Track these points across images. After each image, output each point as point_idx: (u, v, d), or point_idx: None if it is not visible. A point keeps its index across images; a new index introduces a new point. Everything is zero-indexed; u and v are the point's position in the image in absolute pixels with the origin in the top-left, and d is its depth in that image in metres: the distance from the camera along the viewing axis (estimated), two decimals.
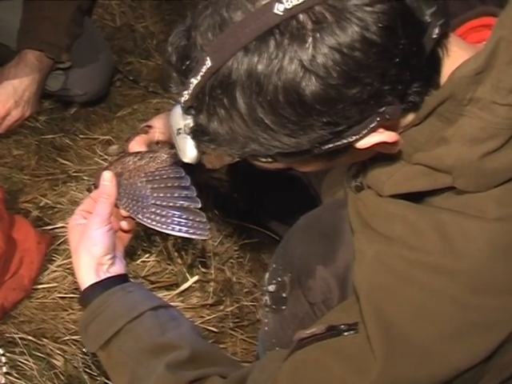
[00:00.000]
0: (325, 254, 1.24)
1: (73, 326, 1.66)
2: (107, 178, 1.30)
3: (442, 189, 0.98)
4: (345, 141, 0.90)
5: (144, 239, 1.81)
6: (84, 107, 2.25)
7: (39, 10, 1.99)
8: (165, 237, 1.81)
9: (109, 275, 1.24)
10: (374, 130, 0.90)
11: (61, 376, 1.55)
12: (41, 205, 1.91)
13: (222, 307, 1.75)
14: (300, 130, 0.87)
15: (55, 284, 1.73)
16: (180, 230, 1.30)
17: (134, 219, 1.33)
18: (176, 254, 1.81)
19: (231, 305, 1.77)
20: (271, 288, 1.30)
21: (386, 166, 1.01)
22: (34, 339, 1.61)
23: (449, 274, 0.96)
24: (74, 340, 1.63)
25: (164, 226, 1.30)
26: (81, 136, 2.17)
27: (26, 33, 1.99)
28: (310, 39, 0.83)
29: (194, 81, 0.89)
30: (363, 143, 0.92)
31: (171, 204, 1.31)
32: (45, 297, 1.71)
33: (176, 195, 1.31)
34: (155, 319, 1.20)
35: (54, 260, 1.77)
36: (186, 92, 0.91)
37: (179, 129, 1.00)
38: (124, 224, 1.32)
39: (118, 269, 1.26)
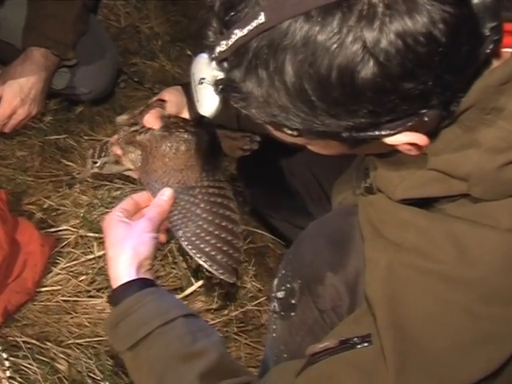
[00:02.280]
0: (335, 261, 1.23)
1: (76, 330, 1.66)
2: (167, 194, 1.33)
3: (456, 196, 0.97)
4: (378, 133, 0.89)
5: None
6: (89, 108, 2.25)
7: (44, 8, 1.99)
8: (169, 241, 1.79)
9: (145, 277, 1.23)
10: (408, 129, 0.90)
11: (64, 380, 1.55)
12: (44, 207, 1.91)
13: (226, 312, 1.75)
14: (342, 112, 0.86)
15: (59, 287, 1.73)
16: (210, 266, 1.33)
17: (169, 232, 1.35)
18: (181, 257, 1.81)
19: (236, 309, 1.77)
20: (280, 294, 1.29)
21: (399, 169, 1.01)
22: (37, 343, 1.60)
23: (462, 283, 0.95)
24: (77, 344, 1.63)
25: (196, 253, 1.33)
26: (85, 137, 2.17)
27: (31, 30, 1.99)
28: (378, 22, 0.81)
29: (239, 33, 0.85)
30: (394, 139, 0.91)
31: (216, 232, 1.33)
32: (48, 300, 1.71)
33: (223, 224, 1.35)
34: (186, 326, 1.17)
35: (58, 263, 1.77)
36: (224, 42, 0.87)
37: (203, 78, 0.96)
38: (162, 238, 1.33)
39: (151, 276, 1.26)
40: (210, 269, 1.33)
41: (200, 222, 1.34)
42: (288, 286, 1.27)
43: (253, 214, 1.98)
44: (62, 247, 1.80)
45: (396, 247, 1.00)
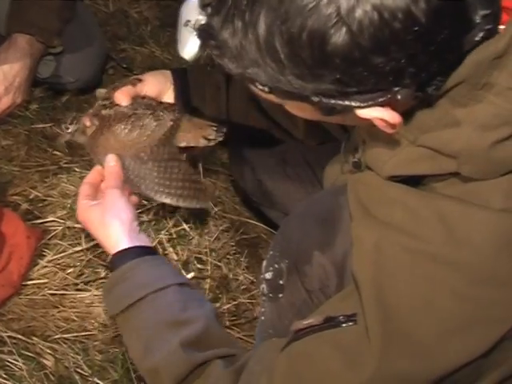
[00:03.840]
0: (322, 240, 1.24)
1: (64, 324, 1.65)
2: (113, 159, 1.37)
3: (446, 174, 0.97)
4: (347, 103, 0.89)
5: None
6: (76, 96, 2.22)
7: None
8: (159, 231, 1.82)
9: (142, 244, 1.27)
10: (380, 105, 0.89)
11: (51, 376, 1.54)
12: (30, 197, 1.90)
13: (218, 305, 1.74)
14: (310, 75, 0.86)
15: (45, 280, 1.72)
16: (183, 201, 1.42)
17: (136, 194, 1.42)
18: (171, 249, 1.80)
19: (228, 302, 1.76)
20: (268, 275, 1.31)
21: (388, 146, 1.00)
22: (23, 338, 1.60)
23: (450, 264, 0.95)
24: (64, 339, 1.62)
25: (166, 197, 1.42)
26: (70, 114, 2.13)
27: (15, 17, 1.96)
28: None
29: None
30: (364, 113, 0.90)
31: (173, 176, 1.42)
32: (35, 293, 1.70)
33: (176, 170, 1.43)
34: (179, 295, 1.21)
35: (45, 255, 1.76)
36: None
37: (188, 21, 0.99)
38: (133, 198, 1.39)
39: (147, 240, 1.31)
40: (183, 204, 1.43)
41: (154, 174, 1.41)
42: (276, 266, 1.29)
43: (245, 205, 1.97)
44: (49, 239, 1.79)
45: (383, 225, 1.00)
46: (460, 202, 0.95)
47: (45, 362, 1.56)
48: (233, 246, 1.87)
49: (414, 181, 0.99)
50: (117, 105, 1.46)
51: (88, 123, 1.50)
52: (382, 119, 0.91)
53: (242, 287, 1.80)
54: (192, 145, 1.51)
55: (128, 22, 2.54)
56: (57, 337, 1.62)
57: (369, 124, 0.96)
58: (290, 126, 1.57)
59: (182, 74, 1.57)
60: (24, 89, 1.96)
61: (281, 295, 1.30)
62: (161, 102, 1.49)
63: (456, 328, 0.96)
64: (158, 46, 2.46)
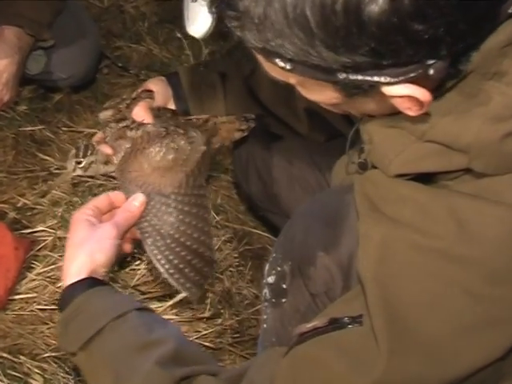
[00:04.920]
0: (327, 240, 1.25)
1: (53, 342, 1.65)
2: (140, 200, 1.37)
3: (457, 171, 0.97)
4: (376, 79, 0.88)
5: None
6: (68, 96, 2.23)
7: None
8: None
9: (93, 276, 1.26)
10: (410, 81, 0.89)
11: None
12: (18, 205, 1.90)
13: (220, 321, 1.74)
14: (342, 46, 0.85)
15: (34, 294, 1.72)
16: (177, 279, 1.36)
17: (137, 241, 1.38)
18: None
19: (230, 318, 1.75)
20: (271, 279, 1.31)
21: (393, 142, 1.01)
22: (9, 356, 1.59)
23: (462, 261, 0.95)
24: (54, 357, 1.62)
25: (165, 263, 1.36)
26: (64, 129, 2.15)
27: (3, 8, 1.96)
28: None
29: None
30: (392, 90, 0.90)
31: (188, 243, 1.36)
32: (22, 309, 1.70)
33: (195, 235, 1.37)
34: (141, 319, 1.21)
35: (33, 268, 1.76)
36: None
37: None
38: (127, 247, 1.38)
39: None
40: (174, 282, 1.36)
41: (171, 232, 1.37)
42: (278, 269, 1.30)
43: (249, 214, 1.97)
44: (38, 250, 1.79)
45: (392, 222, 1.00)
46: (472, 197, 0.95)
47: (33, 382, 1.56)
48: (236, 257, 1.87)
49: (423, 179, 1.00)
50: (141, 124, 1.45)
51: (110, 151, 1.49)
52: (411, 97, 0.91)
53: (246, 302, 1.79)
54: (227, 144, 1.56)
55: (124, 17, 2.55)
56: (46, 355, 1.61)
57: (382, 114, 0.95)
58: (293, 120, 1.59)
59: (176, 78, 1.60)
60: (12, 85, 1.96)
61: (284, 300, 1.31)
62: (189, 119, 1.51)
63: (469, 328, 0.96)
64: (155, 43, 2.47)
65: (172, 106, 1.58)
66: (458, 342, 0.96)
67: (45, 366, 1.59)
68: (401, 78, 0.88)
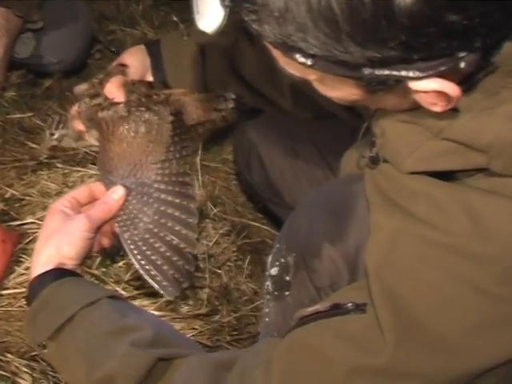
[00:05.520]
0: (333, 231, 1.26)
1: None
2: (119, 194, 1.35)
3: (472, 170, 0.98)
4: (404, 73, 0.87)
5: None
6: (58, 81, 2.22)
7: None
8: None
9: (61, 267, 1.27)
10: (439, 75, 0.88)
11: None
12: (6, 196, 1.89)
13: (217, 317, 1.74)
14: (370, 39, 0.84)
15: (23, 289, 1.70)
16: (153, 276, 1.32)
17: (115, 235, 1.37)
18: None
19: (228, 315, 1.75)
20: (273, 271, 1.32)
21: (407, 138, 1.01)
22: None
23: (475, 258, 0.95)
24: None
25: (141, 259, 1.33)
26: (54, 116, 2.11)
27: None
28: None
29: None
30: (420, 85, 0.89)
31: (167, 238, 1.33)
32: (10, 304, 1.69)
33: (177, 228, 1.34)
34: (113, 306, 1.21)
35: (22, 261, 1.75)
36: None
37: None
38: (105, 241, 1.37)
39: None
40: (151, 280, 1.32)
41: (151, 226, 1.34)
42: (282, 260, 1.31)
43: (248, 206, 1.98)
44: (27, 243, 1.78)
45: (404, 215, 1.01)
46: (488, 193, 0.96)
47: (21, 381, 1.55)
48: (234, 251, 1.87)
49: (437, 176, 1.00)
50: (113, 103, 1.46)
51: (82, 127, 1.50)
52: (439, 92, 0.90)
53: (245, 298, 1.79)
54: (203, 120, 1.53)
55: None
56: (35, 353, 1.59)
57: (400, 110, 0.95)
58: (277, 96, 1.58)
59: (156, 46, 1.60)
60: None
61: (287, 293, 1.32)
62: (149, 86, 1.53)
63: (480, 326, 0.96)
64: (150, 27, 2.47)
65: (150, 77, 1.58)
66: (468, 340, 0.97)
67: (34, 364, 1.58)
68: (430, 72, 0.88)
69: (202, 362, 1.13)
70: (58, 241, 1.27)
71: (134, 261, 1.33)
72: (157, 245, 1.33)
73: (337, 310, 1.05)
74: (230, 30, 1.59)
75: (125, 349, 1.13)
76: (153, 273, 1.32)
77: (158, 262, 1.32)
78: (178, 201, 1.37)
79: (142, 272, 1.33)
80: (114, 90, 1.46)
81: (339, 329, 1.04)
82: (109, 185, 1.37)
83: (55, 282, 1.22)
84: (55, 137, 1.56)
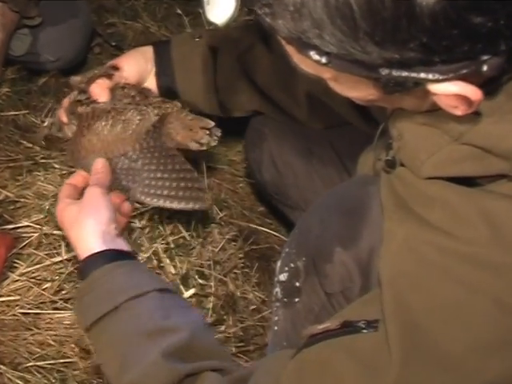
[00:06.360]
0: (346, 234, 1.27)
1: (38, 350, 1.64)
2: (101, 162, 1.47)
3: (493, 176, 0.98)
4: (423, 75, 0.88)
5: (128, 242, 1.78)
6: (55, 77, 2.21)
7: None
8: (153, 239, 1.81)
9: (117, 247, 1.32)
10: (460, 78, 0.88)
11: None
12: (0, 198, 1.88)
13: (223, 328, 1.74)
14: (390, 40, 0.84)
15: (17, 297, 1.71)
16: (178, 204, 1.49)
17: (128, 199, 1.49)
18: (168, 260, 1.80)
19: (234, 325, 1.75)
20: (283, 277, 1.33)
21: (426, 142, 1.01)
22: None
23: (494, 268, 0.95)
24: (38, 367, 1.61)
25: (158, 200, 1.49)
26: (50, 114, 2.10)
27: None
28: None
29: None
30: (440, 88, 0.89)
31: (166, 175, 1.49)
32: (3, 313, 1.69)
33: (170, 167, 1.50)
34: (160, 301, 1.25)
35: (17, 267, 1.75)
36: None
37: None
38: (125, 205, 1.46)
39: (125, 244, 1.35)
40: (178, 207, 1.50)
41: (145, 174, 1.50)
42: (292, 265, 1.32)
43: (256, 210, 1.98)
44: (22, 248, 1.79)
45: (419, 221, 1.01)
46: (508, 199, 0.95)
47: None
48: (241, 258, 1.87)
49: (456, 181, 1.00)
50: (94, 101, 1.54)
51: (65, 119, 1.58)
52: (459, 95, 0.90)
53: (252, 307, 1.79)
54: (179, 145, 1.56)
55: None
56: (29, 365, 1.61)
57: (418, 111, 0.96)
58: (291, 106, 1.60)
59: (165, 48, 1.61)
60: None
61: (297, 300, 1.33)
62: (146, 97, 1.57)
63: (496, 343, 0.96)
64: (153, 20, 2.47)
65: (150, 84, 1.61)
66: (481, 357, 0.96)
67: (28, 376, 1.59)
68: (450, 75, 0.88)
69: (223, 382, 1.15)
70: (88, 214, 1.34)
71: (153, 204, 1.50)
72: (160, 183, 1.49)
73: (348, 328, 1.05)
74: (245, 35, 1.62)
75: (155, 357, 1.16)
76: (175, 203, 1.49)
77: (172, 193, 1.49)
78: (156, 154, 1.51)
79: (167, 206, 1.49)
80: (98, 91, 1.53)
81: (350, 348, 1.03)
82: (85, 166, 1.49)
83: (107, 264, 1.28)
84: (45, 124, 1.65)
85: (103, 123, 1.52)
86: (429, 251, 0.99)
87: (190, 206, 1.49)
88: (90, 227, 1.32)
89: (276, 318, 1.36)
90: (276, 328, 1.36)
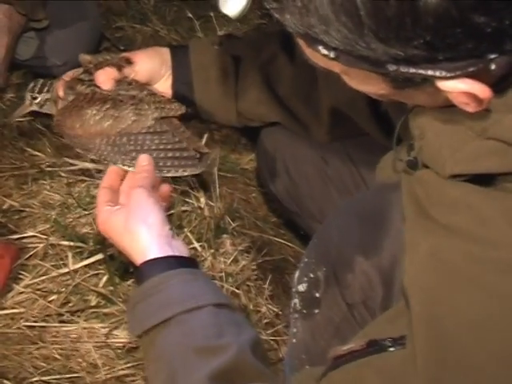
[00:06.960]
0: (366, 243, 1.27)
1: (43, 364, 1.64)
2: (146, 159, 1.44)
3: None
4: (430, 73, 0.90)
5: None
6: None
7: None
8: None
9: (176, 253, 1.30)
10: (468, 76, 0.90)
11: None
12: (4, 208, 1.89)
13: None
14: (394, 37, 0.86)
15: (22, 309, 1.71)
16: (175, 171, 1.53)
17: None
18: None
19: None
20: (302, 287, 1.33)
21: (449, 138, 1.02)
22: None
23: None
24: (44, 382, 1.61)
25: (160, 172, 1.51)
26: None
27: None
28: None
29: None
30: (447, 85, 0.91)
31: (162, 155, 1.53)
32: (8, 326, 1.69)
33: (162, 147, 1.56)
34: (214, 318, 1.24)
35: (22, 279, 1.76)
36: None
37: None
38: (165, 188, 1.45)
39: (183, 247, 1.33)
40: (177, 174, 1.54)
41: (132, 147, 1.53)
42: (311, 275, 1.32)
43: (269, 220, 1.98)
44: (27, 259, 1.79)
45: (443, 229, 1.00)
46: None
47: None
48: (254, 269, 1.87)
49: (481, 181, 1.00)
50: (96, 85, 1.55)
51: (61, 93, 1.59)
52: (468, 93, 0.91)
53: (265, 321, 1.79)
54: None
55: None
56: (34, 380, 1.61)
57: (435, 106, 0.97)
58: (311, 119, 1.61)
59: (183, 53, 1.62)
60: (0, 71, 1.95)
61: (316, 311, 1.33)
62: (152, 94, 1.59)
63: None
64: (162, 23, 2.48)
65: (160, 87, 1.63)
66: None
67: None
68: (458, 73, 0.89)
69: None
70: (138, 220, 1.31)
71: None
72: (160, 163, 1.52)
73: (373, 347, 1.04)
74: (266, 44, 1.63)
75: (201, 379, 1.15)
76: (172, 171, 1.53)
77: (169, 163, 1.53)
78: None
79: (168, 175, 1.53)
80: (103, 79, 1.55)
81: (378, 368, 1.02)
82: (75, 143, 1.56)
83: (165, 272, 1.26)
84: (37, 101, 1.65)
85: (94, 112, 1.53)
86: (457, 260, 0.98)
87: (191, 169, 1.53)
88: (143, 234, 1.31)
89: (294, 330, 1.36)
90: (294, 340, 1.36)
